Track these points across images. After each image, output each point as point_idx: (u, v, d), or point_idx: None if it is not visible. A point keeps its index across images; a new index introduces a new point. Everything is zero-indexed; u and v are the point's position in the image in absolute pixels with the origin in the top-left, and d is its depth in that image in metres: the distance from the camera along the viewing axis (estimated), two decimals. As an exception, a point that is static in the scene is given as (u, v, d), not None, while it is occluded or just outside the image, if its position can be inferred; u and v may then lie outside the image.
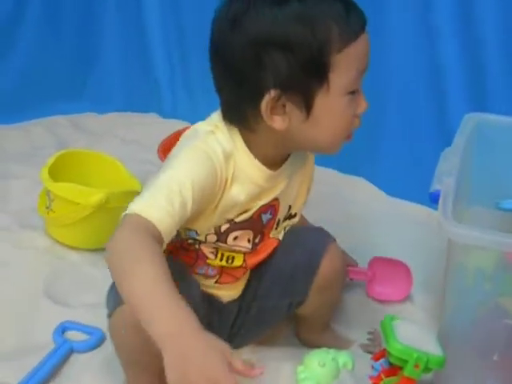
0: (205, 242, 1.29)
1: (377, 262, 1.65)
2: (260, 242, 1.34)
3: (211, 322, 1.34)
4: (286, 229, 1.38)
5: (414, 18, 1.94)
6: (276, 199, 1.31)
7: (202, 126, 1.24)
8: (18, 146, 2.28)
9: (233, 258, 1.33)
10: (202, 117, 2.19)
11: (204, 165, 1.17)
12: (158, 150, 1.83)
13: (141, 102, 2.48)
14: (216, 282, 1.36)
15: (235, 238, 1.30)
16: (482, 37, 1.85)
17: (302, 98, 1.15)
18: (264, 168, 1.24)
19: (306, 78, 1.14)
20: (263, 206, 1.29)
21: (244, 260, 1.35)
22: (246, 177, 1.23)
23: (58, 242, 1.77)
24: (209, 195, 1.18)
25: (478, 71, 1.88)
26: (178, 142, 1.24)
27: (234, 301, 1.41)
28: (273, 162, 1.25)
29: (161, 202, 1.10)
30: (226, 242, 1.30)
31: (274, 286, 1.40)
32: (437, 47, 1.92)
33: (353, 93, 1.17)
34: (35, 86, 2.40)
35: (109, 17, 2.48)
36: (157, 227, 1.08)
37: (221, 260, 1.32)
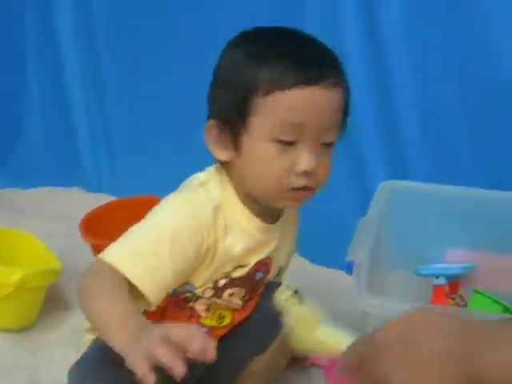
0: (201, 296, 1.29)
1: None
2: (249, 299, 1.37)
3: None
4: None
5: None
6: (269, 258, 1.33)
7: (197, 176, 1.29)
8: None
9: (224, 316, 1.35)
10: (127, 190, 2.19)
11: (189, 226, 1.20)
12: (80, 224, 1.82)
13: (65, 176, 2.46)
14: None
15: (231, 295, 1.32)
16: (398, 102, 1.88)
17: (231, 134, 1.22)
18: (255, 218, 1.28)
19: (233, 116, 1.20)
20: (258, 262, 1.31)
21: (232, 318, 1.36)
22: (238, 227, 1.26)
23: (-23, 323, 1.73)
24: (196, 253, 1.21)
25: (395, 137, 1.89)
26: (175, 193, 1.28)
27: None
28: (267, 214, 1.29)
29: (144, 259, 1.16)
30: (221, 298, 1.31)
31: (240, 338, 1.40)
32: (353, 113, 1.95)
33: (285, 143, 1.18)
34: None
35: (31, 92, 2.47)
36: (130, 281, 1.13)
37: (212, 319, 1.33)
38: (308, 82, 1.17)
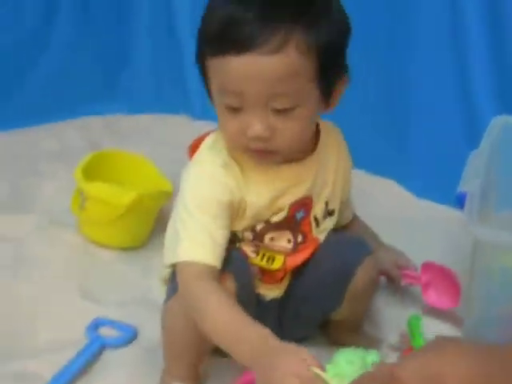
0: (242, 239, 1.32)
1: (428, 267, 1.60)
2: (303, 241, 1.35)
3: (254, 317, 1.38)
4: (328, 230, 1.39)
5: (442, 19, 1.96)
6: (307, 197, 1.32)
7: (206, 142, 1.31)
8: (49, 146, 2.30)
9: (273, 258, 1.35)
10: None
11: (212, 185, 1.24)
12: (188, 150, 1.85)
13: (172, 102, 2.49)
14: (259, 280, 1.37)
15: (271, 239, 1.32)
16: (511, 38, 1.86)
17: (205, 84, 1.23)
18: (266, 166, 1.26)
19: (200, 67, 1.23)
20: (294, 204, 1.31)
21: (284, 262, 1.36)
22: (253, 180, 1.26)
23: (90, 240, 1.80)
24: (230, 207, 1.25)
25: (507, 73, 1.88)
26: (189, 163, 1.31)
27: (276, 300, 1.42)
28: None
29: (200, 239, 1.21)
30: (262, 242, 1.32)
31: (309, 295, 1.41)
32: (465, 49, 1.93)
33: (233, 108, 1.17)
34: (67, 86, 2.42)
35: (140, 18, 2.49)
36: (208, 264, 1.20)
37: (261, 260, 1.34)
38: (240, 49, 1.12)
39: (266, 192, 1.28)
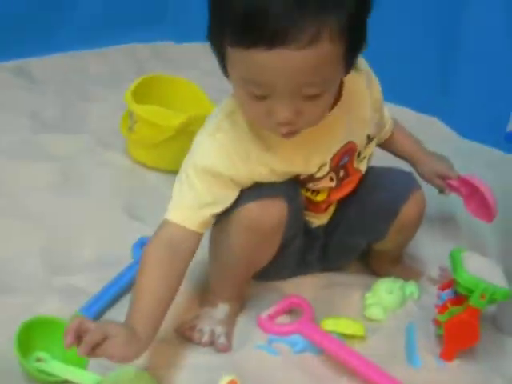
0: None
1: (467, 179, 1.55)
2: (345, 176, 1.36)
3: (301, 245, 1.41)
4: (368, 157, 1.39)
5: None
6: (350, 143, 1.31)
7: (224, 107, 1.27)
8: (97, 70, 2.33)
9: (318, 191, 1.36)
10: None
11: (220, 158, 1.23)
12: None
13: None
14: (305, 208, 1.38)
15: (314, 184, 1.33)
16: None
17: (220, 62, 1.15)
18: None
19: (216, 48, 1.13)
20: (336, 156, 1.30)
21: (328, 195, 1.37)
22: (282, 146, 1.24)
23: (138, 162, 1.84)
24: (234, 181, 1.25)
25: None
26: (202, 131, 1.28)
27: (321, 227, 1.44)
28: None
29: (188, 203, 1.25)
30: (305, 187, 1.34)
31: (355, 225, 1.42)
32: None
33: (257, 95, 1.10)
34: (114, 11, 2.42)
35: None
36: (188, 228, 1.24)
37: (306, 192, 1.35)
38: (271, 43, 1.02)
39: (296, 156, 1.26)
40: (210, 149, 1.24)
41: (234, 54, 1.07)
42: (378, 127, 1.41)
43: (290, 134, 1.16)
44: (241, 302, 1.42)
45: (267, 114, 1.12)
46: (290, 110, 1.10)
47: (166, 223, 1.26)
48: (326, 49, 1.04)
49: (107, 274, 1.45)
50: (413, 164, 1.55)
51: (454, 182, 1.55)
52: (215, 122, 1.25)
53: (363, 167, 1.39)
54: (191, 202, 1.25)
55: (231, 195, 1.26)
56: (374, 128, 1.38)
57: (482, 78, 1.99)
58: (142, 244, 1.54)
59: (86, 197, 1.70)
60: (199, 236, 1.26)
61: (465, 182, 1.55)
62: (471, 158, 1.91)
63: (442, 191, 1.57)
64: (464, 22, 1.99)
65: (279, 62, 1.03)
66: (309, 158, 1.28)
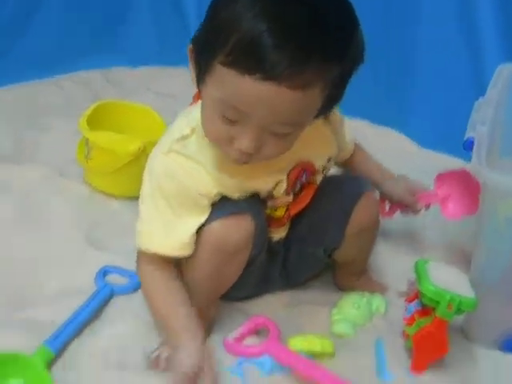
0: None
1: (442, 178, 1.56)
2: (301, 190, 1.36)
3: (263, 261, 1.40)
4: (325, 172, 1.39)
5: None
6: (302, 162, 1.32)
7: (177, 127, 1.30)
8: (51, 99, 2.30)
9: (276, 208, 1.35)
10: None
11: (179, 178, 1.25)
12: (194, 99, 1.84)
13: (172, 54, 2.47)
14: None
15: (273, 202, 1.33)
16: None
17: (197, 71, 1.16)
18: None
19: (200, 58, 1.14)
20: (292, 172, 1.31)
21: (287, 209, 1.37)
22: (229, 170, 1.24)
23: (96, 190, 1.81)
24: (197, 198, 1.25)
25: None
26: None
27: (281, 241, 1.43)
28: None
29: (156, 229, 1.27)
30: (264, 205, 1.33)
31: (310, 233, 1.42)
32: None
33: (228, 119, 1.11)
34: (65, 40, 2.39)
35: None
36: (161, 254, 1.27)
37: (265, 208, 1.34)
38: (265, 76, 1.03)
39: (250, 176, 1.27)
40: (169, 166, 1.25)
41: (223, 74, 1.07)
42: (337, 148, 1.41)
43: (243, 162, 1.17)
44: (207, 324, 1.39)
45: (230, 138, 1.13)
46: (255, 142, 1.12)
47: (144, 254, 1.30)
48: (315, 95, 1.09)
49: (71, 304, 1.43)
50: (377, 185, 1.54)
51: (427, 192, 1.55)
52: (167, 144, 1.27)
53: (318, 180, 1.39)
54: (164, 228, 1.26)
55: (204, 211, 1.26)
56: (335, 149, 1.39)
57: (438, 86, 2.00)
58: (104, 273, 1.53)
59: (45, 228, 1.68)
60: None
61: (441, 180, 1.55)
62: (431, 168, 1.90)
63: (405, 213, 1.57)
64: (418, 29, 2.00)
65: (267, 96, 1.05)
66: (262, 176, 1.28)
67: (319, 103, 1.12)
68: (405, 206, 1.56)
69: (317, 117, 1.18)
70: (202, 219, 1.25)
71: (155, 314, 1.33)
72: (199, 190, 1.24)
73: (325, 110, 1.17)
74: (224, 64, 1.06)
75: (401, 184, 1.55)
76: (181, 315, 1.26)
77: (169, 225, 1.25)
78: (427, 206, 1.58)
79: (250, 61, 1.04)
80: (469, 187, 1.47)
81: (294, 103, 1.07)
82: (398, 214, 1.59)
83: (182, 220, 1.25)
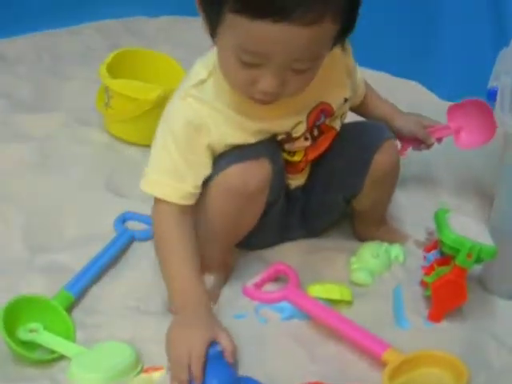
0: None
1: (453, 111, 1.57)
2: (319, 134, 1.36)
3: (282, 208, 1.41)
4: (343, 117, 1.39)
5: None
6: (322, 103, 1.32)
7: (196, 72, 1.29)
8: (70, 48, 2.30)
9: (294, 152, 1.35)
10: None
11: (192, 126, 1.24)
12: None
13: (192, 4, 2.45)
14: None
15: (291, 145, 1.33)
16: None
17: (208, 24, 1.15)
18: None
19: (208, 11, 1.13)
20: (311, 114, 1.31)
21: (305, 154, 1.37)
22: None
23: (116, 137, 1.82)
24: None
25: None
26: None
27: (299, 188, 1.43)
28: None
29: (165, 177, 1.25)
30: (282, 148, 1.33)
31: (330, 180, 1.42)
32: None
33: (247, 63, 1.12)
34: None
35: None
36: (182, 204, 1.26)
37: (283, 152, 1.34)
38: (276, 18, 1.05)
39: (270, 117, 1.27)
40: (184, 111, 1.25)
41: (235, 21, 1.08)
42: (352, 91, 1.40)
43: (269, 102, 1.18)
44: (226, 273, 1.40)
45: (252, 81, 1.14)
46: (278, 81, 1.13)
47: (157, 203, 1.28)
48: (327, 29, 1.09)
49: (91, 250, 1.44)
50: (389, 122, 1.53)
51: (439, 126, 1.55)
52: (184, 90, 1.27)
53: (337, 125, 1.38)
54: (172, 175, 1.25)
55: (208, 162, 1.26)
56: (351, 91, 1.39)
57: (461, 38, 1.98)
58: (124, 219, 1.54)
59: (66, 175, 1.69)
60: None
61: (453, 112, 1.55)
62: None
63: (417, 149, 1.57)
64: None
65: (281, 37, 1.06)
66: (282, 117, 1.28)
67: (333, 33, 1.13)
68: (417, 141, 1.56)
69: (333, 46, 1.19)
70: (210, 170, 1.26)
71: (160, 264, 1.30)
72: (212, 138, 1.24)
73: (339, 40, 1.18)
74: (234, 11, 1.07)
75: (412, 118, 1.56)
76: (186, 277, 1.26)
77: (176, 172, 1.25)
78: (439, 140, 1.58)
79: (259, 4, 1.04)
80: (481, 116, 1.48)
81: (308, 39, 1.08)
82: (410, 151, 1.59)
83: (190, 167, 1.24)
